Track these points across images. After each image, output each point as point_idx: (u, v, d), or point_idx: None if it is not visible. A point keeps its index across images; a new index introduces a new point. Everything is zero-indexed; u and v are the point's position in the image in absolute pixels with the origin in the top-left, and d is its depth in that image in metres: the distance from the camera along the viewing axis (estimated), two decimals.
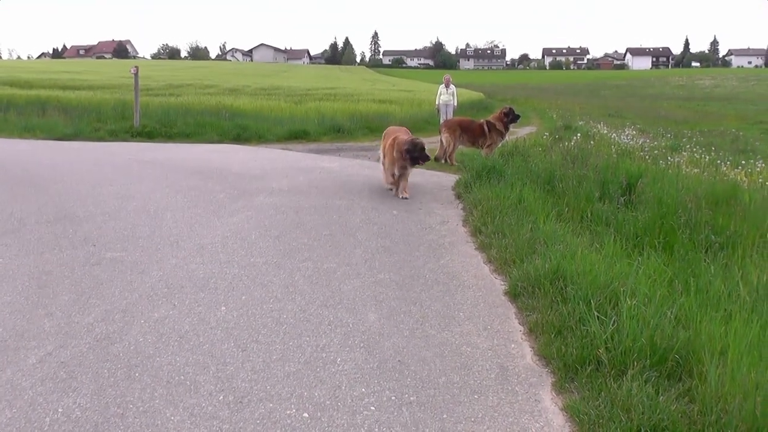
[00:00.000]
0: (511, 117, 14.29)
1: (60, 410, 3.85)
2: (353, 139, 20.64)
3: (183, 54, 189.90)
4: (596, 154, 12.44)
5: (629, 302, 5.01)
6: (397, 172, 10.39)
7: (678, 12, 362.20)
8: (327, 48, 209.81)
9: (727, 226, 8.06)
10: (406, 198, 10.27)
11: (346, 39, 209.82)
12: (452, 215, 9.36)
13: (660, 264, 6.58)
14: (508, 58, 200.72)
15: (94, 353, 4.61)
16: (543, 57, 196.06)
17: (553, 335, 4.94)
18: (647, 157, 15.13)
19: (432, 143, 14.74)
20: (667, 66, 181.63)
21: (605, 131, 24.99)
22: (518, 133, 22.59)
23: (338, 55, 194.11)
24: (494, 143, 14.28)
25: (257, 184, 11.24)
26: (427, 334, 5.12)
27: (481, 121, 14.66)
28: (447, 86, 21.26)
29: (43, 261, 6.73)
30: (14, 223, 8.23)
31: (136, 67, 21.28)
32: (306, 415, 3.88)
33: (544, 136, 20.77)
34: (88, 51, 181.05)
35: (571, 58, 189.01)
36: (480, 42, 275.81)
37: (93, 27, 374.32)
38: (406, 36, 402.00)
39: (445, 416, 3.92)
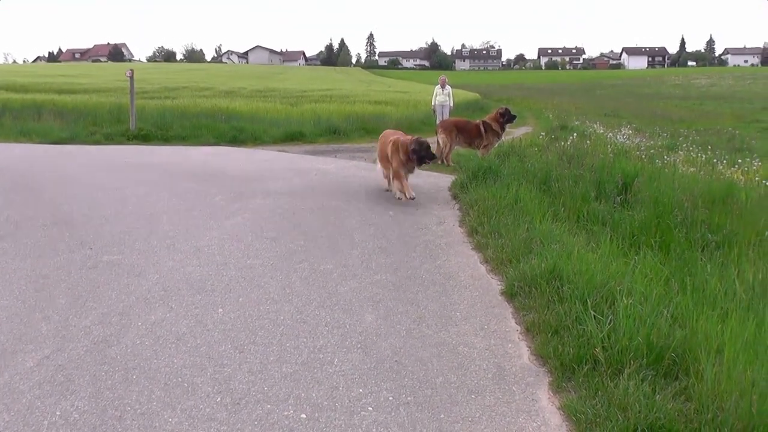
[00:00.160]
0: (507, 117, 14.29)
1: (58, 413, 3.85)
2: (349, 140, 20.64)
3: (178, 56, 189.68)
4: (592, 154, 12.46)
5: (626, 301, 5.01)
6: (405, 174, 10.25)
7: (674, 11, 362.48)
8: (323, 49, 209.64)
9: (723, 224, 8.08)
10: (401, 198, 10.22)
11: (342, 40, 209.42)
12: (449, 216, 9.37)
13: (656, 263, 6.60)
14: (503, 58, 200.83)
15: (91, 356, 4.61)
16: (539, 57, 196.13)
17: (549, 335, 4.94)
18: (643, 156, 15.13)
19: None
20: (663, 65, 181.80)
21: (601, 131, 25.02)
22: (514, 133, 22.61)
23: (334, 57, 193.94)
24: (490, 144, 14.29)
25: (253, 186, 11.25)
26: (424, 334, 5.13)
27: (478, 121, 14.66)
28: (443, 87, 21.29)
29: (39, 265, 6.72)
30: (10, 227, 8.23)
31: (131, 70, 21.28)
32: (304, 416, 3.89)
33: (540, 136, 20.74)
34: (84, 54, 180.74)
35: (567, 58, 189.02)
36: (476, 42, 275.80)
37: (88, 30, 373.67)
38: (402, 37, 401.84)
39: (442, 416, 3.93)
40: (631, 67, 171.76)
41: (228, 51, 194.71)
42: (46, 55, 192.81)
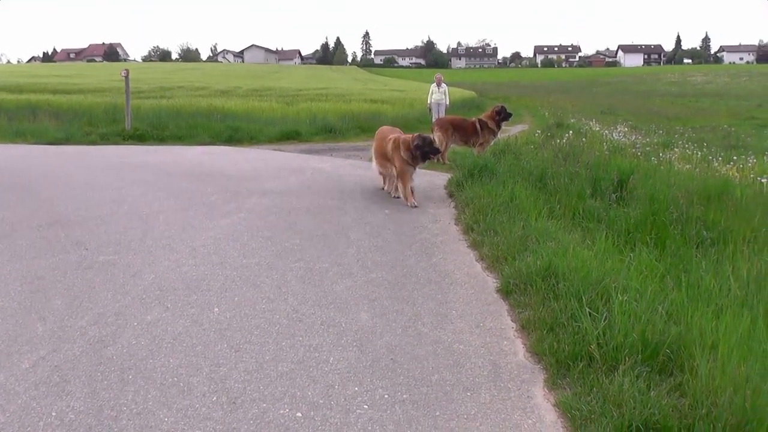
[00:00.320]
0: (503, 115, 14.30)
1: (53, 414, 3.85)
2: (345, 139, 20.65)
3: (174, 56, 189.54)
4: (588, 152, 12.47)
5: (621, 298, 5.02)
6: (410, 176, 10.09)
7: (669, 9, 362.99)
8: (318, 48, 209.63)
9: (718, 221, 8.09)
10: (398, 198, 10.18)
11: (338, 39, 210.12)
12: (444, 214, 9.38)
13: (651, 260, 6.61)
14: (499, 56, 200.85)
15: (87, 357, 4.61)
16: (534, 55, 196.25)
17: (545, 332, 4.95)
18: (639, 153, 15.16)
19: None
20: (659, 63, 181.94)
21: (597, 128, 25.04)
22: (510, 131, 22.63)
23: (330, 56, 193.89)
24: (486, 141, 14.29)
25: (249, 186, 11.25)
26: (419, 332, 5.14)
27: (474, 119, 14.66)
28: (439, 85, 21.28)
29: (35, 266, 6.71)
30: (6, 229, 8.22)
31: (126, 70, 21.22)
32: (299, 414, 3.89)
33: (536, 134, 20.79)
34: (79, 54, 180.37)
35: (563, 56, 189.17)
36: (471, 41, 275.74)
37: (83, 30, 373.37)
38: (398, 35, 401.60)
39: (437, 414, 3.93)
40: (627, 65, 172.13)
41: (224, 50, 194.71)
42: (41, 55, 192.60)
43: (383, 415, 3.91)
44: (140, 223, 8.50)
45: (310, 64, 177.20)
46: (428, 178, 12.31)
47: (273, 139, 20.01)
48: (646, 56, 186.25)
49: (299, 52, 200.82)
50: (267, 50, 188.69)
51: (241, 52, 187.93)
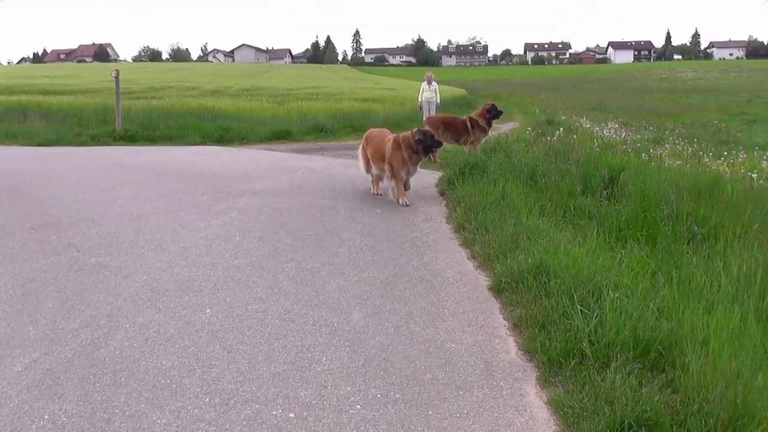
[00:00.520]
0: (493, 113, 14.31)
1: (46, 417, 3.85)
2: (336, 138, 20.66)
3: (164, 56, 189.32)
4: (579, 149, 12.48)
5: (612, 295, 5.03)
6: (404, 176, 9.98)
7: (659, 5, 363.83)
8: (309, 47, 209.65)
9: (709, 217, 8.10)
10: (407, 205, 9.88)
11: (328, 38, 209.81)
12: (436, 212, 9.39)
13: (643, 256, 6.63)
14: (490, 54, 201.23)
15: (79, 359, 4.60)
16: (525, 52, 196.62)
17: (537, 330, 4.96)
18: (630, 150, 15.19)
19: None
20: (649, 59, 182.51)
21: (588, 125, 25.11)
22: (501, 128, 22.67)
23: (320, 54, 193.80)
24: (477, 140, 14.30)
25: (240, 186, 11.24)
26: (411, 331, 5.14)
27: (464, 117, 14.67)
28: (429, 83, 21.27)
29: (26, 268, 6.69)
30: None
31: (116, 70, 21.17)
32: (292, 415, 3.89)
33: (527, 132, 20.82)
34: (69, 55, 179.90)
35: (553, 53, 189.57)
36: (462, 38, 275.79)
37: (73, 30, 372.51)
38: (388, 34, 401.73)
39: (430, 413, 3.94)
40: (617, 62, 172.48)
41: (214, 50, 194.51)
42: (31, 56, 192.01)
43: (376, 414, 3.91)
44: (132, 225, 8.48)
45: (301, 63, 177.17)
46: (419, 177, 12.26)
47: (264, 139, 20.01)
48: (636, 53, 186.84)
49: (290, 51, 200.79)
50: (257, 49, 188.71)
51: (232, 51, 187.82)
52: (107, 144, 19.19)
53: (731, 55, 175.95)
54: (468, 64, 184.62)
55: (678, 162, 13.74)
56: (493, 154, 12.88)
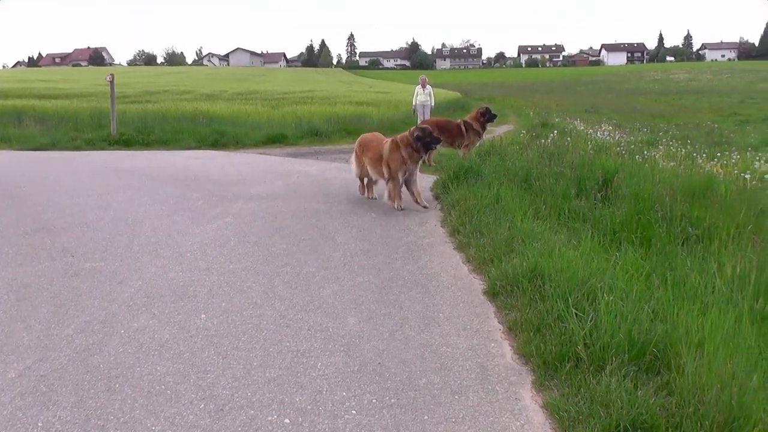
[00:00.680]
0: (487, 116, 14.31)
1: (40, 424, 3.83)
2: (331, 142, 20.68)
3: (159, 60, 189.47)
4: (573, 151, 12.49)
5: (607, 298, 5.03)
6: (401, 178, 9.84)
7: (651, 7, 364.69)
8: (303, 51, 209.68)
9: (703, 218, 8.11)
10: (426, 207, 9.89)
11: (322, 41, 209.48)
12: (430, 216, 9.39)
13: (637, 258, 6.63)
14: (484, 56, 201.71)
15: (73, 365, 4.58)
16: (519, 55, 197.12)
17: (532, 333, 4.95)
18: (623, 152, 15.22)
19: None
20: (642, 61, 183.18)
21: (582, 127, 25.14)
22: (496, 131, 22.71)
23: (315, 58, 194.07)
24: (471, 143, 14.30)
25: (235, 190, 11.24)
26: (407, 336, 5.14)
27: (458, 121, 14.66)
28: (423, 87, 21.32)
29: (21, 273, 6.68)
30: None
31: (111, 74, 21.16)
32: (287, 420, 3.88)
33: (521, 134, 20.82)
34: (64, 59, 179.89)
35: (547, 56, 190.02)
36: (456, 41, 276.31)
37: (68, 34, 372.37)
38: (382, 37, 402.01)
39: (425, 417, 3.93)
40: (611, 64, 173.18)
41: (209, 54, 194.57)
42: (26, 60, 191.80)
43: (371, 420, 3.90)
44: (126, 229, 8.47)
45: (296, 66, 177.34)
46: None
47: (259, 143, 20.02)
48: (629, 55, 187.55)
49: (284, 55, 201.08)
50: (252, 53, 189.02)
51: (227, 55, 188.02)
52: (102, 148, 19.18)
53: (723, 56, 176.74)
54: (462, 67, 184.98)
55: (672, 163, 13.75)
56: (488, 157, 12.88)
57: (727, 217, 8.10)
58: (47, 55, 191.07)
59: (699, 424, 3.62)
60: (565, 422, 3.84)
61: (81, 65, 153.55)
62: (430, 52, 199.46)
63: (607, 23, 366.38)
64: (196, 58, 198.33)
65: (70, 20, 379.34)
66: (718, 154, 17.62)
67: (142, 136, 20.42)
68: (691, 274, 6.07)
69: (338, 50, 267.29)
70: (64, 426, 3.81)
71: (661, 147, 19.95)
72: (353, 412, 3.99)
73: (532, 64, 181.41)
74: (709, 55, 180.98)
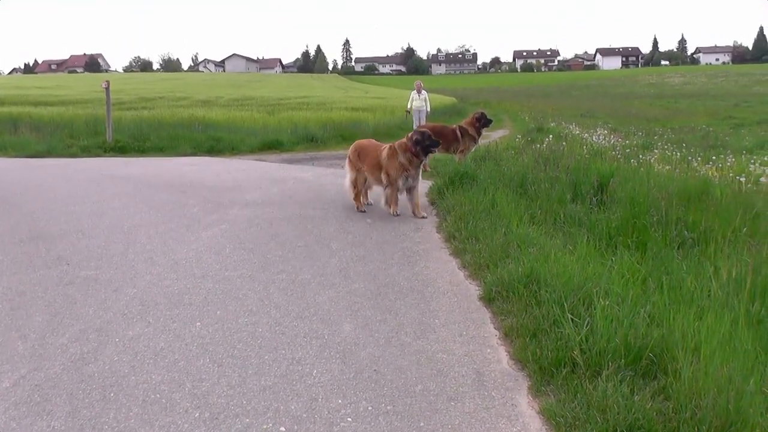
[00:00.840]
0: (483, 122, 14.33)
1: None
2: (327, 148, 20.70)
3: (155, 66, 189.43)
4: (568, 156, 12.50)
5: (603, 303, 5.02)
6: (401, 184, 9.72)
7: (646, 12, 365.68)
8: (299, 56, 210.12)
9: (699, 221, 8.10)
10: (425, 217, 9.74)
11: (318, 47, 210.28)
12: (426, 222, 9.38)
13: (633, 263, 6.62)
14: (479, 61, 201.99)
15: (68, 374, 4.56)
16: (514, 60, 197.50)
17: (528, 339, 4.94)
18: (619, 156, 15.22)
19: None
20: (637, 65, 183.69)
21: (577, 132, 25.18)
22: (491, 136, 22.73)
23: (310, 64, 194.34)
24: (467, 148, 14.30)
25: (231, 197, 11.22)
26: (402, 342, 5.12)
27: (454, 126, 14.67)
28: (419, 92, 21.29)
29: (16, 281, 6.66)
30: None
31: (107, 81, 21.16)
32: (283, 429, 3.86)
33: (517, 139, 20.89)
34: (60, 65, 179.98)
35: (542, 60, 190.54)
36: (451, 47, 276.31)
37: (64, 41, 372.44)
38: (378, 42, 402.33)
39: (422, 424, 3.92)
40: (606, 68, 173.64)
41: (205, 60, 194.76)
42: (23, 67, 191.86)
43: (367, 427, 3.89)
44: (122, 237, 8.45)
45: (292, 72, 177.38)
46: None
47: (255, 149, 20.03)
48: (624, 59, 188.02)
49: (280, 61, 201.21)
50: (248, 59, 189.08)
51: (222, 61, 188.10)
52: (98, 155, 19.19)
53: (717, 60, 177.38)
54: (458, 72, 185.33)
55: (667, 167, 13.76)
56: (483, 162, 12.87)
57: (722, 221, 8.09)
58: (43, 61, 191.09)
59: (696, 429, 3.62)
60: (562, 428, 3.83)
61: (77, 72, 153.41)
62: (425, 58, 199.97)
63: (601, 28, 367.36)
64: (192, 65, 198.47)
65: (66, 27, 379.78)
66: (714, 158, 17.66)
67: (137, 142, 20.43)
68: (687, 278, 6.06)
69: (334, 56, 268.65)
70: None
71: (656, 151, 20.00)
72: (349, 419, 3.97)
73: (527, 68, 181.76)
74: (704, 58, 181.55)
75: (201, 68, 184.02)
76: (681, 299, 5.57)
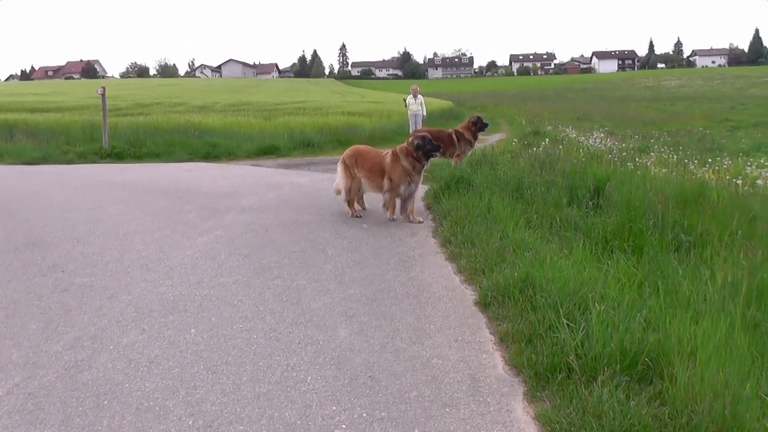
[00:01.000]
0: (479, 126, 14.31)
1: None
2: (323, 152, 20.68)
3: (152, 72, 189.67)
4: (564, 159, 12.50)
5: (598, 307, 5.01)
6: (404, 190, 9.66)
7: (641, 14, 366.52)
8: (296, 61, 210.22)
9: (695, 224, 8.10)
10: (421, 222, 9.67)
11: (315, 52, 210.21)
12: (422, 226, 9.35)
13: (629, 267, 6.62)
14: (476, 65, 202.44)
15: (62, 383, 4.55)
16: (510, 63, 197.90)
17: (523, 344, 4.93)
18: (615, 159, 15.21)
19: None
20: (633, 68, 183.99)
21: (573, 135, 25.17)
22: (488, 140, 22.73)
23: (307, 68, 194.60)
24: (463, 152, 14.27)
25: (227, 202, 11.20)
26: (397, 348, 5.11)
27: (450, 130, 14.63)
28: (415, 96, 21.33)
29: (11, 289, 6.64)
30: None
31: (102, 87, 21.14)
32: None
33: (513, 143, 20.87)
34: (57, 72, 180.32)
35: (538, 64, 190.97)
36: (447, 51, 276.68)
37: (61, 47, 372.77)
38: (374, 47, 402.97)
39: (416, 431, 3.90)
40: (602, 71, 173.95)
41: (201, 65, 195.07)
42: (19, 74, 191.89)
43: None
44: (117, 243, 8.43)
45: (288, 77, 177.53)
46: None
47: (251, 155, 20.03)
48: (620, 62, 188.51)
49: (277, 66, 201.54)
50: (244, 64, 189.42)
51: (219, 66, 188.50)
52: (94, 161, 19.15)
53: (713, 62, 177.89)
54: (454, 76, 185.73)
55: (664, 170, 13.77)
56: (479, 166, 12.86)
57: (719, 224, 8.08)
58: (40, 68, 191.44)
59: None
60: None
61: (73, 78, 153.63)
62: (422, 62, 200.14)
63: (597, 31, 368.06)
64: (189, 70, 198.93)
65: (62, 33, 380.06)
66: (710, 160, 17.67)
67: (134, 148, 20.40)
68: (683, 282, 6.05)
69: (330, 60, 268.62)
70: None
71: (653, 154, 20.00)
72: (343, 426, 3.96)
73: (523, 72, 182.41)
74: (700, 61, 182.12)
75: (198, 74, 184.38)
76: (677, 303, 5.56)
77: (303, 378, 4.58)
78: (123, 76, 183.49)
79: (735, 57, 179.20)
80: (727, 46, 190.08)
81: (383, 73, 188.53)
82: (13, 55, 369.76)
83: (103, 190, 12.88)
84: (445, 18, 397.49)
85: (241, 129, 26.13)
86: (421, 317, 5.77)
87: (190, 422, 4.00)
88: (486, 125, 14.56)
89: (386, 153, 9.88)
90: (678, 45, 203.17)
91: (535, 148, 16.42)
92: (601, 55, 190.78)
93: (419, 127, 20.09)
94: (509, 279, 6.07)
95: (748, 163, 17.38)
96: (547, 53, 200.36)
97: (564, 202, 9.39)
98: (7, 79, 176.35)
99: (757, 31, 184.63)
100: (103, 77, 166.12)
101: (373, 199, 10.46)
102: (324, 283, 6.76)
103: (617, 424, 3.72)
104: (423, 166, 9.76)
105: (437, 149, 9.92)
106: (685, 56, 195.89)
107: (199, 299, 6.25)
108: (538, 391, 4.34)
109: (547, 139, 20.25)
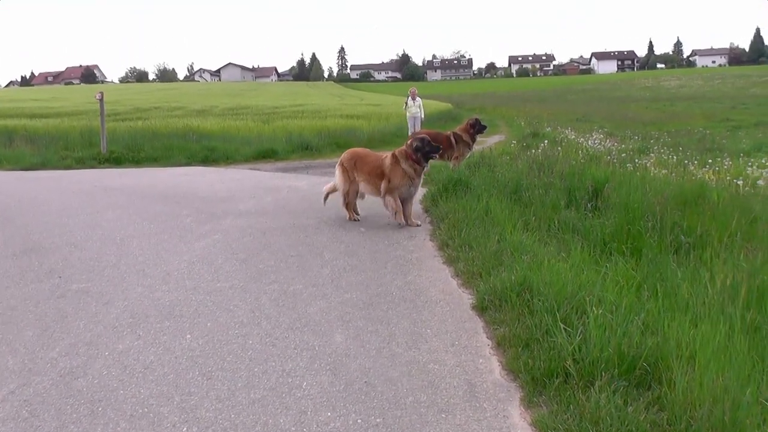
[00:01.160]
0: (477, 128, 14.29)
1: None
2: (321, 156, 20.69)
3: (151, 76, 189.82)
4: (563, 161, 12.46)
5: (596, 311, 4.97)
6: (404, 192, 9.61)
7: (641, 15, 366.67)
8: (295, 65, 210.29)
9: (695, 226, 8.06)
10: (418, 225, 9.62)
11: (313, 55, 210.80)
12: (419, 230, 9.32)
13: (628, 269, 6.58)
14: (474, 67, 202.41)
15: (57, 389, 4.52)
16: (509, 65, 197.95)
17: (520, 349, 4.89)
18: (614, 160, 15.18)
19: None
20: (633, 69, 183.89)
21: (573, 136, 25.16)
22: (487, 142, 22.72)
23: (306, 72, 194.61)
24: (461, 155, 14.25)
25: (224, 207, 11.19)
26: (394, 353, 5.07)
27: (448, 132, 14.63)
28: (413, 99, 21.31)
29: (7, 296, 6.63)
30: None
31: (100, 92, 21.20)
32: None
33: (512, 145, 20.86)
34: (57, 77, 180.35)
35: (538, 65, 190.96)
36: (446, 53, 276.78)
37: (61, 53, 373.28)
38: (373, 50, 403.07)
39: None
40: (601, 72, 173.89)
41: (200, 69, 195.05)
42: (19, 80, 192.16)
43: None
44: (114, 249, 8.41)
45: (287, 80, 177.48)
46: None
47: (249, 159, 20.04)
48: (619, 63, 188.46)
49: (276, 69, 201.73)
50: (243, 68, 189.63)
51: (218, 70, 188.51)
52: (92, 167, 19.19)
53: (714, 62, 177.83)
54: (453, 77, 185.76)
55: (663, 171, 13.75)
56: (477, 169, 12.81)
57: (719, 225, 8.05)
58: (40, 74, 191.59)
59: None
60: None
61: (73, 83, 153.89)
62: (420, 64, 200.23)
63: (597, 32, 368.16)
64: (188, 74, 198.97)
65: (62, 39, 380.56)
66: (710, 161, 17.64)
67: (132, 153, 20.45)
68: (682, 285, 6.01)
69: (329, 63, 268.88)
70: None
71: (652, 154, 19.98)
72: None
73: (522, 73, 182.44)
74: (700, 61, 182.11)
75: (197, 78, 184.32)
76: (676, 306, 5.53)
77: (298, 384, 4.55)
78: (122, 80, 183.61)
79: (736, 56, 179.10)
80: (728, 46, 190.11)
81: (382, 76, 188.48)
82: (13, 61, 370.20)
83: (101, 196, 12.87)
84: (443, 19, 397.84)
85: (239, 133, 26.18)
86: (417, 321, 5.74)
87: (185, 429, 3.97)
88: (484, 127, 14.54)
89: (386, 156, 9.82)
90: (678, 45, 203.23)
91: (533, 150, 16.41)
92: (601, 56, 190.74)
93: (418, 129, 20.07)
94: (506, 282, 6.04)
95: (749, 164, 17.35)
96: (546, 54, 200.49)
97: (562, 204, 9.36)
98: (7, 85, 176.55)
99: (758, 30, 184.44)
100: (102, 82, 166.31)
101: (371, 203, 10.42)
102: (320, 287, 6.73)
103: (615, 430, 3.69)
104: (423, 168, 9.75)
105: (436, 150, 9.87)
106: (685, 56, 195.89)
107: (195, 304, 6.23)
108: (535, 396, 4.29)
109: (546, 141, 20.24)
